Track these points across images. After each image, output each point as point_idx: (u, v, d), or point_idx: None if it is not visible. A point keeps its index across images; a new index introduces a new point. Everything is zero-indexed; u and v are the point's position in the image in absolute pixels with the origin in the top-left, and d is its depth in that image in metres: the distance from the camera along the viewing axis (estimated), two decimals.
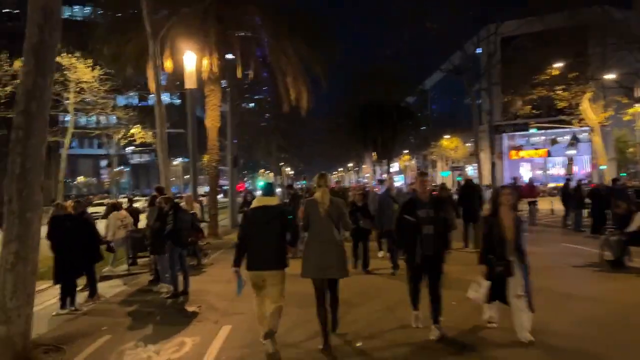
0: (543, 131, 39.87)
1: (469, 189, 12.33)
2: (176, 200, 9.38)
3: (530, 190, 16.64)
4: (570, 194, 15.09)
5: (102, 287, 8.92)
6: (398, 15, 24.52)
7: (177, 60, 15.44)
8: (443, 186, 12.61)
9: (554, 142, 39.98)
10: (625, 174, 32.50)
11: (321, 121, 44.92)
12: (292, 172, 77.94)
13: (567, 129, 34.60)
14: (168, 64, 15.15)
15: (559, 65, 24.28)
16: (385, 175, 46.38)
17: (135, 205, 13.95)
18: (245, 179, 68.42)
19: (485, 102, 28.11)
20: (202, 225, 12.98)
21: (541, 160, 42.20)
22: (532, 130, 38.70)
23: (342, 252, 5.15)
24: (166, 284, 8.16)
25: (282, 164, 61.87)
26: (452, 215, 9.49)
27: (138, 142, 42.69)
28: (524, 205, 17.83)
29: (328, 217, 5.07)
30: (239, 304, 7.21)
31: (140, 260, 11.21)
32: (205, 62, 15.16)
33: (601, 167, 31.08)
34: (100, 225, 8.61)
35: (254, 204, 5.28)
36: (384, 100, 35.27)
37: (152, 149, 40.68)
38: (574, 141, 30.17)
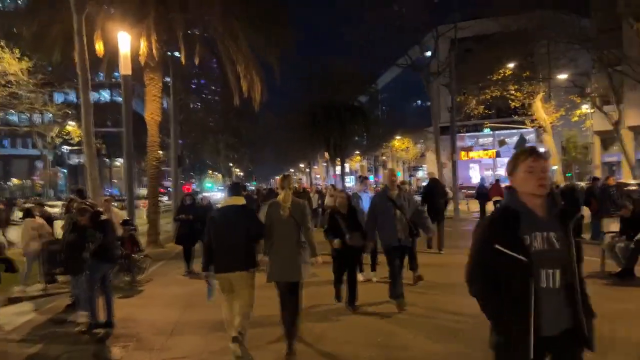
0: (492, 132, 40.21)
1: (434, 187, 11.86)
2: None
3: (498, 190, 15.90)
4: None
5: (6, 315, 7.16)
6: (357, 4, 23.60)
7: (112, 44, 13.40)
8: (402, 183, 11.06)
9: (502, 143, 40.38)
10: (570, 174, 33.12)
11: (273, 118, 43.23)
12: (242, 173, 75.83)
13: (515, 130, 34.89)
14: (99, 47, 13.06)
15: (510, 65, 24.32)
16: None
17: (50, 210, 11.86)
18: (193, 180, 65.65)
19: (436, 101, 27.49)
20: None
21: (490, 161, 42.59)
22: (486, 131, 38.95)
23: (304, 255, 5.00)
24: (85, 312, 6.39)
25: (231, 164, 59.65)
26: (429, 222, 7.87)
27: (75, 141, 39.55)
28: (489, 206, 17.30)
29: (291, 218, 4.97)
30: (180, 339, 5.59)
31: (61, 277, 9.29)
32: (143, 44, 13.21)
33: (553, 167, 31.46)
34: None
35: (221, 204, 5.28)
36: (337, 98, 34.25)
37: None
38: (523, 142, 30.25)
